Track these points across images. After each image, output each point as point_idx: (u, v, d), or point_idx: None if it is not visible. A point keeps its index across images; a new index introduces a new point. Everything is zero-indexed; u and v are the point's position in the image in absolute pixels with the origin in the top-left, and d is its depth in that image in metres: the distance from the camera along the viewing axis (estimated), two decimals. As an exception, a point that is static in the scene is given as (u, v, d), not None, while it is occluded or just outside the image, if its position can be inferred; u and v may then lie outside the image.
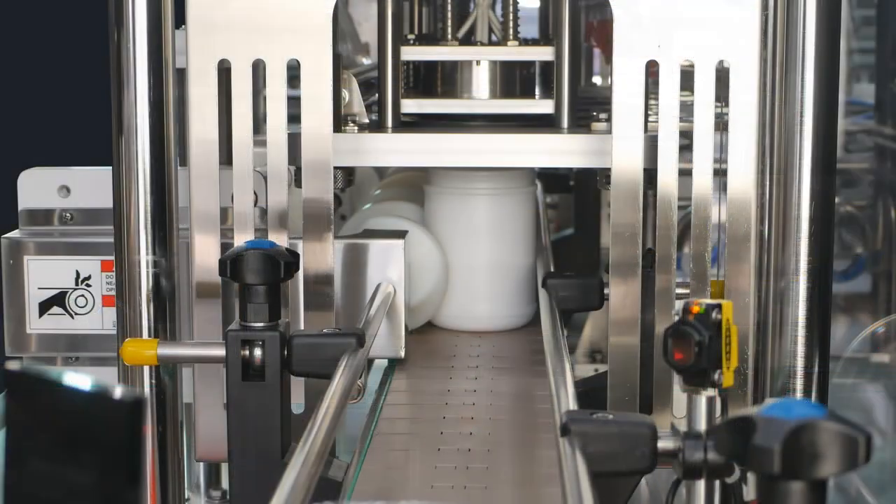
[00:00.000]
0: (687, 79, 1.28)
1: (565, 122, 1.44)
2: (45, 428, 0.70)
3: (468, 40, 1.57)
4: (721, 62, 1.26)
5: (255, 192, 1.31)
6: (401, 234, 1.42)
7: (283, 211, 1.31)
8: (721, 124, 1.29)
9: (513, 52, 1.51)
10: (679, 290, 1.30)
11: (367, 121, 1.43)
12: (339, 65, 1.38)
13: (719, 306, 0.90)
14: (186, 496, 1.49)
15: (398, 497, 1.06)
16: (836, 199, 1.70)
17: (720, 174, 1.28)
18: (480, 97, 1.53)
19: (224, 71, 1.30)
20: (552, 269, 1.52)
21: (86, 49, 1.93)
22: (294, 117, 1.31)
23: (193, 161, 1.30)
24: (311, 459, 0.90)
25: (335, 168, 1.32)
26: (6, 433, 0.71)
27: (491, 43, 1.57)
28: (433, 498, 1.05)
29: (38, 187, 1.48)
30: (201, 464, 1.77)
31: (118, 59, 1.26)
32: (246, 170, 1.30)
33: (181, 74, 1.30)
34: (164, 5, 1.26)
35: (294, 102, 1.31)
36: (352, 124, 1.39)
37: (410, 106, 1.48)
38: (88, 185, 1.48)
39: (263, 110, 1.32)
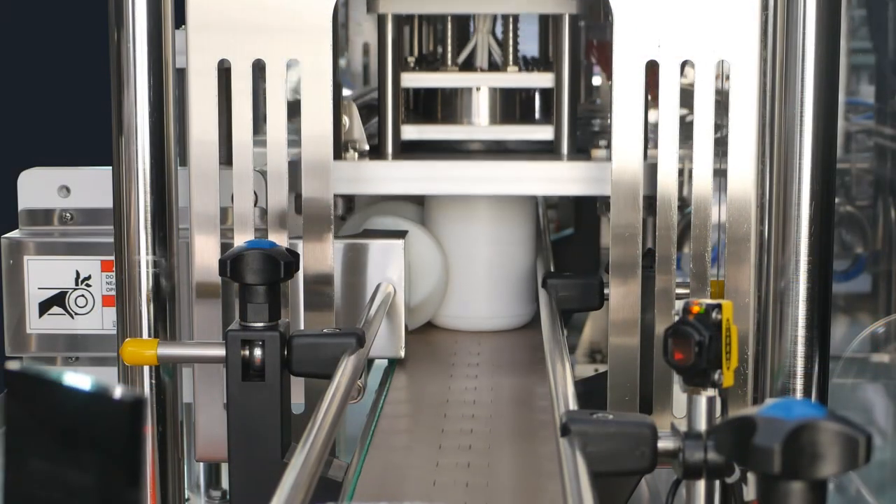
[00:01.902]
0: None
1: (565, 148, 1.44)
2: (45, 428, 0.70)
3: (469, 65, 1.56)
4: (721, 62, 1.26)
5: (255, 192, 1.31)
6: (401, 234, 1.42)
7: (283, 211, 1.31)
8: (721, 124, 1.29)
9: (512, 79, 1.51)
10: (679, 290, 1.30)
11: (367, 147, 1.43)
12: (340, 93, 1.38)
13: (719, 306, 0.90)
14: (186, 496, 1.49)
15: (399, 496, 1.06)
16: (836, 199, 1.70)
17: (720, 174, 1.28)
18: (480, 122, 1.53)
19: (224, 71, 1.30)
20: (552, 269, 1.52)
21: (86, 49, 1.93)
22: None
23: (193, 161, 1.30)
24: (311, 459, 0.90)
25: (335, 196, 1.32)
26: (6, 433, 0.71)
27: (491, 67, 1.56)
28: (435, 495, 1.05)
29: (38, 187, 1.48)
30: (201, 464, 1.77)
31: (118, 59, 1.26)
32: (246, 170, 1.30)
33: (181, 74, 1.30)
34: (164, 5, 1.26)
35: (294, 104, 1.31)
36: (352, 151, 1.39)
37: (411, 132, 1.47)
38: (88, 185, 1.48)
39: (263, 110, 1.32)
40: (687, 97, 1.29)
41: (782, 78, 1.23)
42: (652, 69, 1.27)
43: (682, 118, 1.29)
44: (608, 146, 1.33)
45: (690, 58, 1.27)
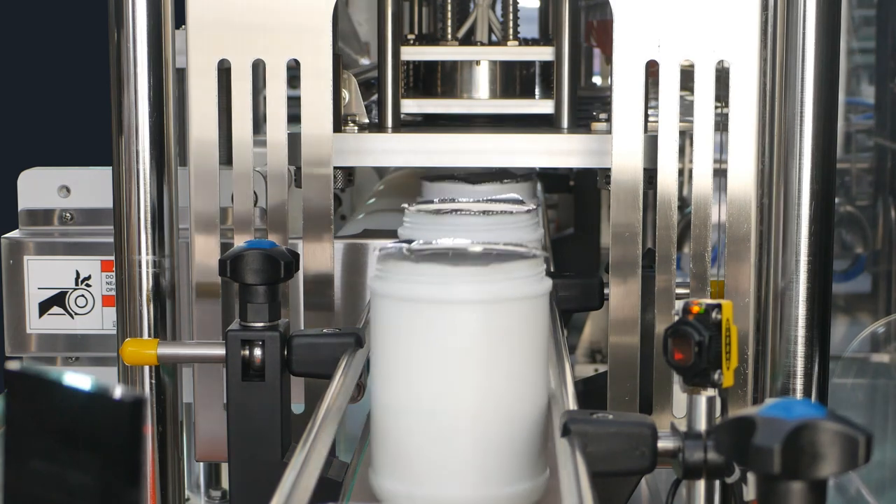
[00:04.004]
0: (687, 79, 1.28)
1: (565, 122, 1.44)
2: (45, 428, 0.70)
3: (468, 40, 1.57)
4: (721, 62, 1.26)
5: (255, 192, 1.31)
6: (401, 234, 1.41)
7: (283, 211, 1.31)
8: (721, 124, 1.29)
9: (513, 52, 1.51)
10: (679, 290, 1.30)
11: (366, 121, 1.43)
12: (339, 65, 1.38)
13: (719, 306, 0.90)
14: (186, 496, 1.49)
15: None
16: (836, 199, 1.70)
17: (720, 174, 1.28)
18: (480, 97, 1.53)
19: (224, 71, 1.30)
20: (552, 269, 1.51)
21: (86, 49, 1.93)
22: (294, 117, 1.31)
23: (193, 161, 1.30)
24: (311, 459, 0.90)
25: (335, 168, 1.32)
26: (6, 433, 0.71)
27: (491, 43, 1.57)
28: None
29: (38, 187, 1.48)
30: (201, 464, 1.77)
31: (118, 59, 1.26)
32: (246, 170, 1.30)
33: (181, 74, 1.30)
34: (164, 5, 1.26)
35: (294, 102, 1.31)
36: (352, 124, 1.39)
37: (410, 106, 1.47)
38: (88, 185, 1.48)
39: (263, 110, 1.32)
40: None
41: (782, 78, 1.23)
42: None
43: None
44: (608, 119, 1.33)
45: (690, 58, 1.26)
